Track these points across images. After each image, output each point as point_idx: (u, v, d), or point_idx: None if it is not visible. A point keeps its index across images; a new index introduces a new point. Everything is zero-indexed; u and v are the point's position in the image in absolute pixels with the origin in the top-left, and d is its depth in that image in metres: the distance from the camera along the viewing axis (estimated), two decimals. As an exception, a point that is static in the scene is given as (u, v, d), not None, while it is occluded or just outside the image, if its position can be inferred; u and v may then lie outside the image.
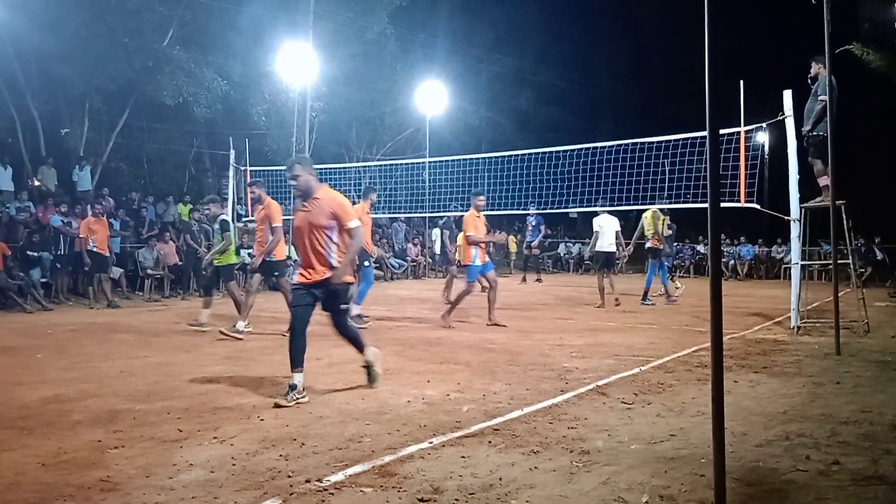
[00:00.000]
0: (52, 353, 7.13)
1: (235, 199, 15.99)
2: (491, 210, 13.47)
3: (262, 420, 4.48)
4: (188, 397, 5.11)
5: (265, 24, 19.72)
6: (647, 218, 12.58)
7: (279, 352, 7.26)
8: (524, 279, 19.15)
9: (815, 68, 8.22)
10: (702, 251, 23.06)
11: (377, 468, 3.54)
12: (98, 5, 15.98)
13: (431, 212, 15.27)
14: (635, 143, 10.20)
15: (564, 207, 12.83)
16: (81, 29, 15.80)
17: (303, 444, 3.96)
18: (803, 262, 9.04)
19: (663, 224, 12.53)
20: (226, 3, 18.74)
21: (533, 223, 17.79)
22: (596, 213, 12.22)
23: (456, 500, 3.14)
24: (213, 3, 18.37)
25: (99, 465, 3.60)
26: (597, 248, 12.39)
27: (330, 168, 17.31)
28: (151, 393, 5.25)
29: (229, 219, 9.47)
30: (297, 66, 19.57)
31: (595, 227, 12.46)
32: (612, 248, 12.32)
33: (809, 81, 8.33)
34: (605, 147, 10.70)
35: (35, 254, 12.23)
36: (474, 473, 3.47)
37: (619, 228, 12.42)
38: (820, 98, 7.99)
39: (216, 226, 9.22)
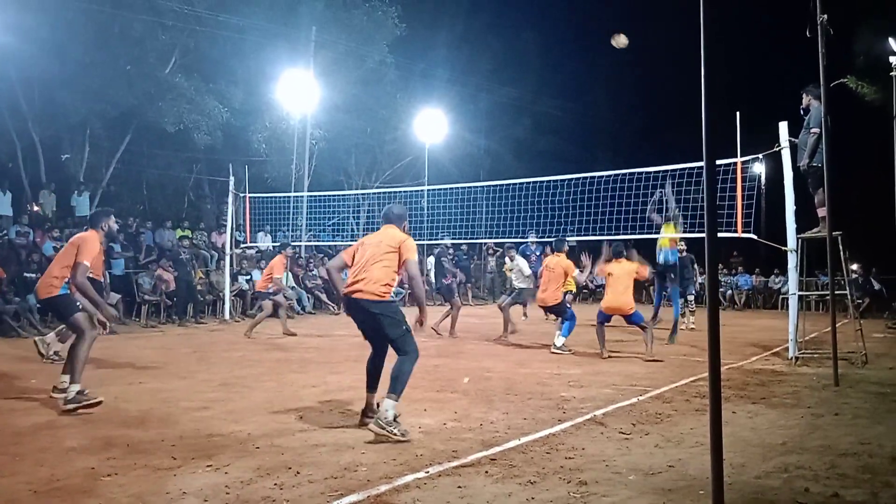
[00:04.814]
0: (47, 379, 7.06)
1: (234, 226, 16.03)
2: (489, 238, 13.55)
3: (257, 448, 4.44)
4: (183, 424, 5.07)
5: (267, 52, 19.97)
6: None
7: (275, 379, 7.23)
8: (526, 314, 15.45)
9: (806, 100, 8.32)
10: (699, 281, 23.05)
11: (373, 498, 3.51)
12: (101, 33, 16.18)
13: (430, 240, 15.29)
14: (633, 173, 10.27)
15: (562, 236, 12.79)
16: (85, 56, 15.99)
17: (298, 472, 3.92)
18: (801, 293, 9.04)
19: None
20: (228, 32, 18.97)
21: (537, 253, 16.01)
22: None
23: (452, 530, 3.10)
24: (215, 32, 18.60)
25: (92, 492, 3.56)
26: None
27: (329, 195, 17.39)
28: (146, 420, 5.21)
29: None
30: (297, 94, 19.80)
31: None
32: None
33: (802, 112, 8.42)
34: (603, 176, 10.75)
35: (32, 275, 12.20)
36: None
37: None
38: (812, 130, 8.06)
39: None
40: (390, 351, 5.11)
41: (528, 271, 11.58)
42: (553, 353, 9.41)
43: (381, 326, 4.99)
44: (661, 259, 11.50)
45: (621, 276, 9.03)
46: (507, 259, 12.06)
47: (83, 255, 5.76)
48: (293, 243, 17.52)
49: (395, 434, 4.50)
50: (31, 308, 11.83)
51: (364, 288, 4.97)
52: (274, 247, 17.73)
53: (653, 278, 11.82)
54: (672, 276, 11.64)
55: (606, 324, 9.25)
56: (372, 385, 5.22)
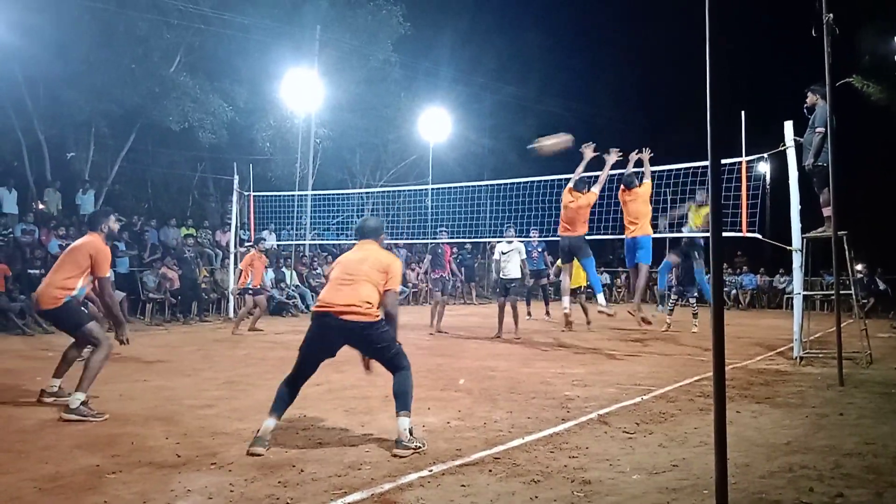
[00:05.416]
0: (51, 376, 7.09)
1: (238, 224, 16.05)
2: (493, 238, 13.51)
3: (260, 446, 4.44)
4: (187, 422, 5.09)
5: (271, 51, 20.00)
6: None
7: (279, 377, 7.21)
8: (529, 313, 15.82)
9: (811, 98, 8.29)
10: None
11: (376, 496, 3.51)
12: (106, 31, 16.22)
13: (433, 239, 15.27)
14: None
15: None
16: (89, 54, 16.03)
17: (302, 470, 3.93)
18: (805, 293, 9.02)
19: None
20: (233, 31, 19.00)
21: (539, 250, 14.88)
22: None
23: (455, 529, 3.10)
24: (220, 31, 18.63)
25: (96, 490, 3.57)
26: None
27: (333, 194, 17.41)
28: (150, 417, 5.22)
29: None
30: (302, 92, 19.80)
31: None
32: None
33: (805, 111, 8.38)
34: (606, 175, 10.70)
35: (37, 272, 12.24)
36: (474, 502, 3.44)
37: None
38: (817, 129, 8.03)
39: None
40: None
41: (524, 255, 11.83)
42: (600, 312, 9.86)
43: (374, 349, 4.66)
44: (686, 230, 11.67)
45: (635, 204, 9.69)
46: (504, 242, 11.72)
47: (102, 269, 5.42)
48: (298, 242, 17.59)
49: (418, 449, 4.31)
50: (37, 306, 11.88)
51: (356, 309, 4.51)
52: (278, 245, 17.79)
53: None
54: (696, 254, 11.99)
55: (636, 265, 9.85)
56: (281, 408, 4.55)
